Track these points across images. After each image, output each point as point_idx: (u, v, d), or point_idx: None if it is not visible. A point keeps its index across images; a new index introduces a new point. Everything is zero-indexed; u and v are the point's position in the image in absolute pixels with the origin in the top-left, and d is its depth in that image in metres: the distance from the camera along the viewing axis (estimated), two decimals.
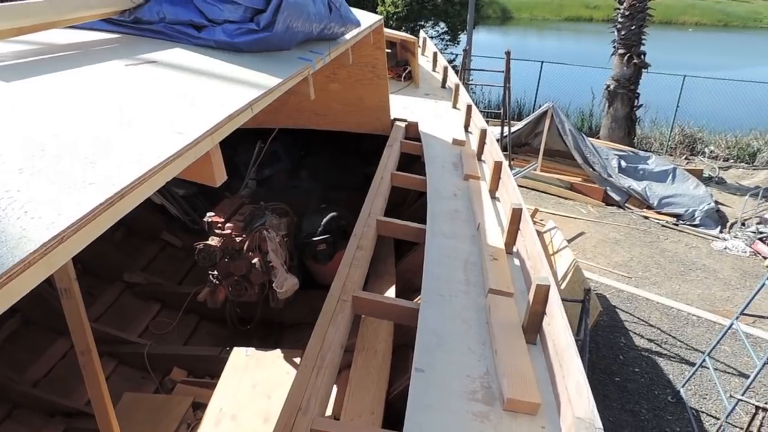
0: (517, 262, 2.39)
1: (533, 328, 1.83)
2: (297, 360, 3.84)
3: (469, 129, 4.35)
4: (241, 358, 3.89)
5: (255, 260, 4.04)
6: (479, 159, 3.71)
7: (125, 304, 4.69)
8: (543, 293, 1.76)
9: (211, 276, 4.19)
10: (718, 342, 5.47)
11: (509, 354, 1.68)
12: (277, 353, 3.91)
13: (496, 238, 2.51)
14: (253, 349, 3.96)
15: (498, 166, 3.05)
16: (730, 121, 14.20)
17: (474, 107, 4.32)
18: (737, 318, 5.25)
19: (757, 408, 4.32)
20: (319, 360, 1.71)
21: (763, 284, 4.98)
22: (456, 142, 4.03)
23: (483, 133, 3.68)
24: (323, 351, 1.75)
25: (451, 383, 1.59)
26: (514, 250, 2.46)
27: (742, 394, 4.80)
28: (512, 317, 1.91)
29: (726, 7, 48.65)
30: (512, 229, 2.43)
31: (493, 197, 3.10)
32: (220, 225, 4.12)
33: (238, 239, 4.09)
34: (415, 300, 3.47)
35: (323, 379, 1.66)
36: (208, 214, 4.17)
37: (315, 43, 2.33)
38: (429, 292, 2.03)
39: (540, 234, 6.50)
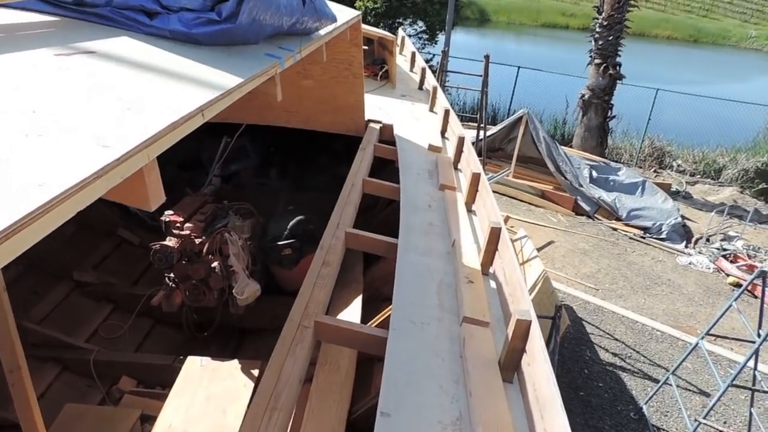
0: (493, 284, 2.24)
1: (511, 366, 1.67)
2: (255, 372, 3.63)
3: (446, 135, 4.20)
4: (196, 369, 3.66)
5: (215, 264, 3.82)
6: (456, 168, 3.56)
7: (74, 304, 4.39)
8: (523, 329, 1.61)
9: (167, 278, 3.95)
10: (683, 360, 5.46)
11: (485, 397, 1.52)
12: (234, 364, 3.69)
13: (472, 257, 2.36)
14: (209, 358, 3.74)
15: (476, 178, 2.90)
16: (698, 137, 14.46)
17: (452, 112, 4.17)
18: (702, 338, 5.24)
19: None
20: (272, 401, 1.52)
21: (730, 306, 4.98)
22: (432, 148, 3.87)
23: (461, 141, 3.53)
24: (278, 389, 1.55)
25: (420, 431, 1.42)
26: (491, 271, 2.31)
27: (704, 417, 4.78)
28: (488, 351, 1.75)
29: (697, 22, 49.87)
30: (489, 249, 2.27)
31: (470, 210, 2.95)
32: (178, 225, 3.88)
33: (197, 241, 3.86)
34: (383, 312, 3.31)
35: (276, 423, 1.47)
36: (167, 212, 3.92)
37: (285, 38, 2.13)
38: (399, 319, 1.86)
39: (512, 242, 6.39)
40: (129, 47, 1.35)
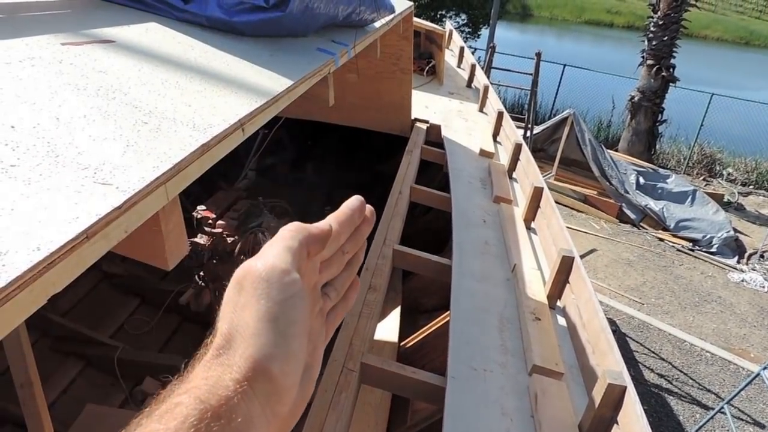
0: (562, 321, 1.95)
1: None
2: None
3: (499, 138, 3.89)
4: None
5: None
6: (510, 177, 3.25)
7: (101, 296, 4.24)
8: (615, 396, 1.32)
9: (197, 277, 3.78)
10: (740, 390, 5.04)
11: None
12: None
13: (536, 286, 2.07)
14: None
15: (537, 193, 2.60)
16: (750, 145, 13.69)
17: (506, 114, 3.85)
18: (765, 368, 4.82)
19: None
20: None
21: None
22: (483, 153, 3.57)
23: (517, 148, 3.22)
24: None
25: None
26: (559, 305, 2.02)
27: None
28: (565, 411, 1.47)
29: (750, 24, 47.90)
30: (559, 279, 1.98)
31: (529, 228, 2.66)
32: (210, 222, 3.69)
33: (229, 240, 3.67)
34: (423, 329, 3.04)
35: None
36: (199, 207, 3.74)
37: (338, 30, 1.86)
38: (458, 364, 1.59)
39: None
40: (156, 36, 1.10)
